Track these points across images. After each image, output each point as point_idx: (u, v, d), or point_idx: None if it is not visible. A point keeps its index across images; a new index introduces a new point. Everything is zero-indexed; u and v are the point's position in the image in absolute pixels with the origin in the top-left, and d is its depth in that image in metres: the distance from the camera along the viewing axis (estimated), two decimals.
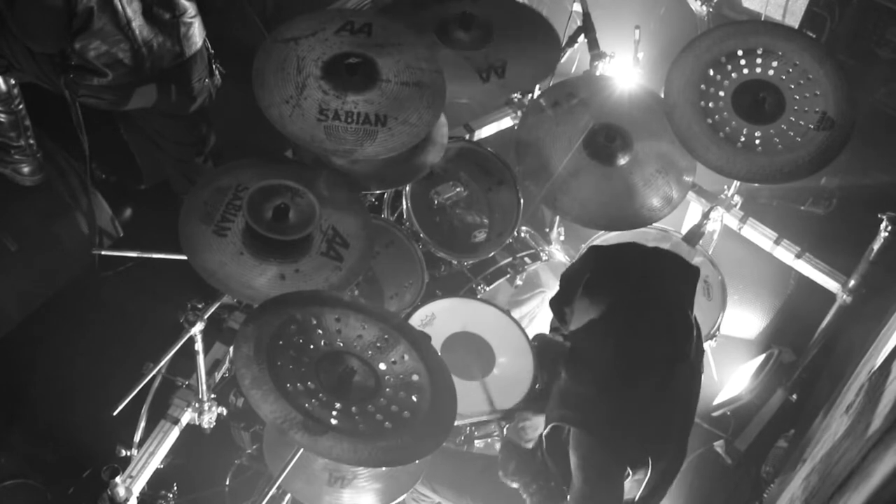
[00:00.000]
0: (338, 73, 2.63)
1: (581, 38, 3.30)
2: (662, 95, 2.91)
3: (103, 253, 2.99)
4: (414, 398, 2.18)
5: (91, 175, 3.40)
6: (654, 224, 3.03)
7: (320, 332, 2.22)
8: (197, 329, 2.50)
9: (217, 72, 3.23)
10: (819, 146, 2.77)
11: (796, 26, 4.06)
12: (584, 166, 2.87)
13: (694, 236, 3.13)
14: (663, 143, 2.91)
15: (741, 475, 3.37)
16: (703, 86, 2.87)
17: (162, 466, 2.79)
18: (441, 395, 2.21)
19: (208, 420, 2.83)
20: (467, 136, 3.51)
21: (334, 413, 2.10)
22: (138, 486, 2.66)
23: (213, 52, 3.20)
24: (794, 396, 3.48)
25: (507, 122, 3.67)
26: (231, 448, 3.12)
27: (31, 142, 3.39)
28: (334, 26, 2.73)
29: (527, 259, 3.23)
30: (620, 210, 2.86)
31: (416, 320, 2.91)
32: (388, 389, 2.18)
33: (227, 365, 2.98)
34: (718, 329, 3.24)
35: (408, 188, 3.12)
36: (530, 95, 3.43)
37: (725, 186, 3.31)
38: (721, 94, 2.86)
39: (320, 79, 2.62)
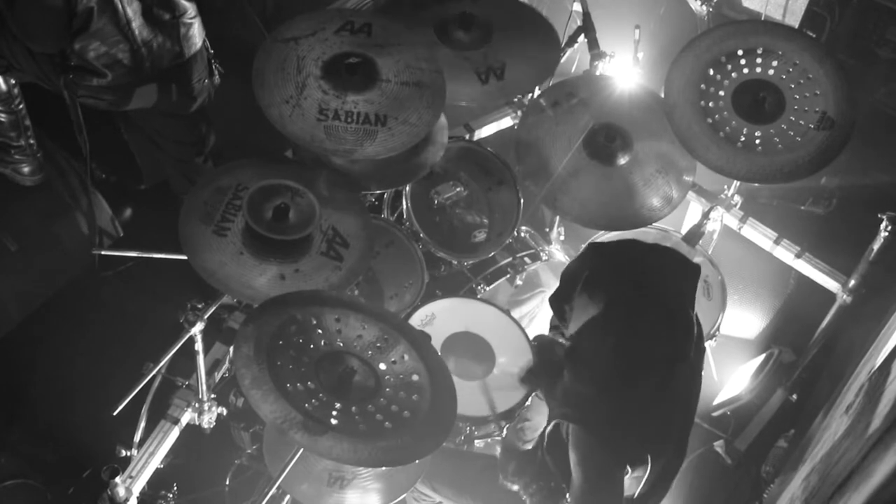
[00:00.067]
0: (338, 72, 2.62)
1: (581, 37, 3.30)
2: (662, 95, 2.91)
3: (103, 253, 3.00)
4: (414, 398, 2.18)
5: (91, 175, 3.40)
6: (654, 224, 3.02)
7: (320, 332, 2.22)
8: (197, 329, 2.50)
9: (217, 72, 3.23)
10: (819, 146, 2.76)
11: (796, 26, 4.05)
12: (584, 166, 2.86)
13: (694, 236, 3.13)
14: (663, 142, 2.90)
15: (741, 475, 3.37)
16: (703, 85, 2.86)
17: (162, 466, 2.79)
18: (441, 395, 2.21)
19: (208, 420, 2.83)
20: (467, 136, 3.51)
21: (334, 413, 2.09)
22: (138, 486, 2.66)
23: (213, 52, 3.20)
24: (794, 396, 3.48)
25: (507, 122, 3.67)
26: (231, 448, 3.12)
27: (32, 142, 3.39)
28: (334, 26, 2.73)
29: (527, 259, 3.23)
30: (620, 210, 2.85)
31: (416, 320, 2.91)
32: (388, 389, 2.18)
33: (227, 365, 2.98)
34: (718, 329, 3.24)
35: (408, 188, 3.12)
36: (530, 95, 3.43)
37: (725, 186, 3.31)
38: (721, 93, 2.86)
39: (320, 79, 2.62)
